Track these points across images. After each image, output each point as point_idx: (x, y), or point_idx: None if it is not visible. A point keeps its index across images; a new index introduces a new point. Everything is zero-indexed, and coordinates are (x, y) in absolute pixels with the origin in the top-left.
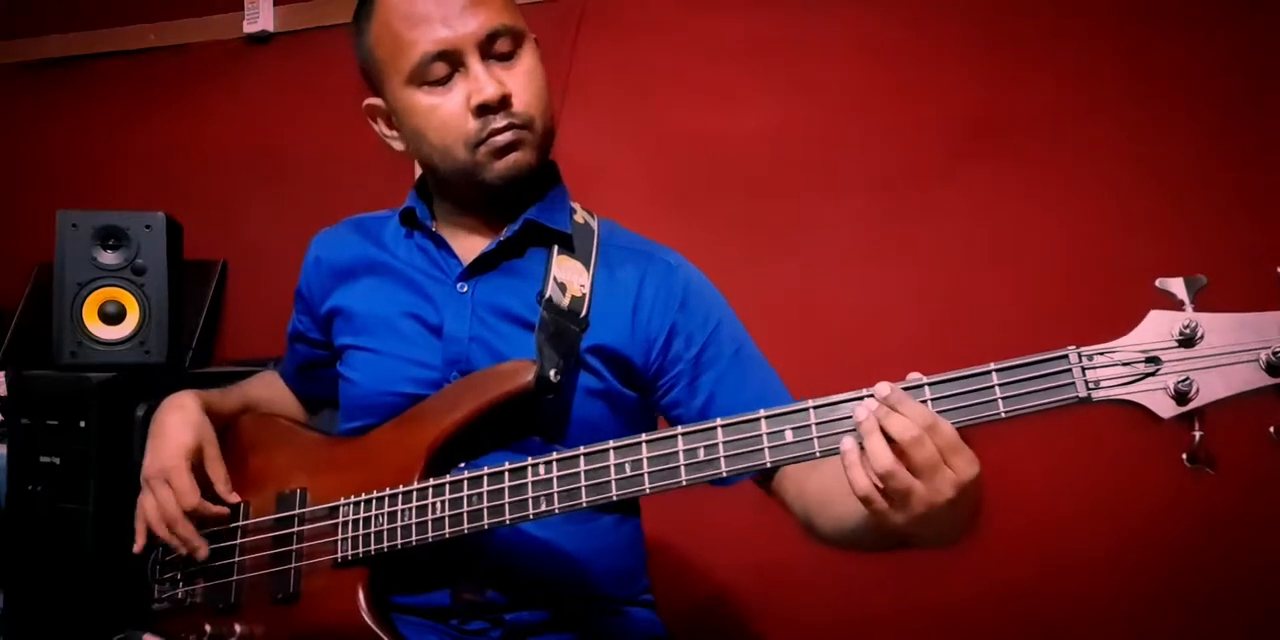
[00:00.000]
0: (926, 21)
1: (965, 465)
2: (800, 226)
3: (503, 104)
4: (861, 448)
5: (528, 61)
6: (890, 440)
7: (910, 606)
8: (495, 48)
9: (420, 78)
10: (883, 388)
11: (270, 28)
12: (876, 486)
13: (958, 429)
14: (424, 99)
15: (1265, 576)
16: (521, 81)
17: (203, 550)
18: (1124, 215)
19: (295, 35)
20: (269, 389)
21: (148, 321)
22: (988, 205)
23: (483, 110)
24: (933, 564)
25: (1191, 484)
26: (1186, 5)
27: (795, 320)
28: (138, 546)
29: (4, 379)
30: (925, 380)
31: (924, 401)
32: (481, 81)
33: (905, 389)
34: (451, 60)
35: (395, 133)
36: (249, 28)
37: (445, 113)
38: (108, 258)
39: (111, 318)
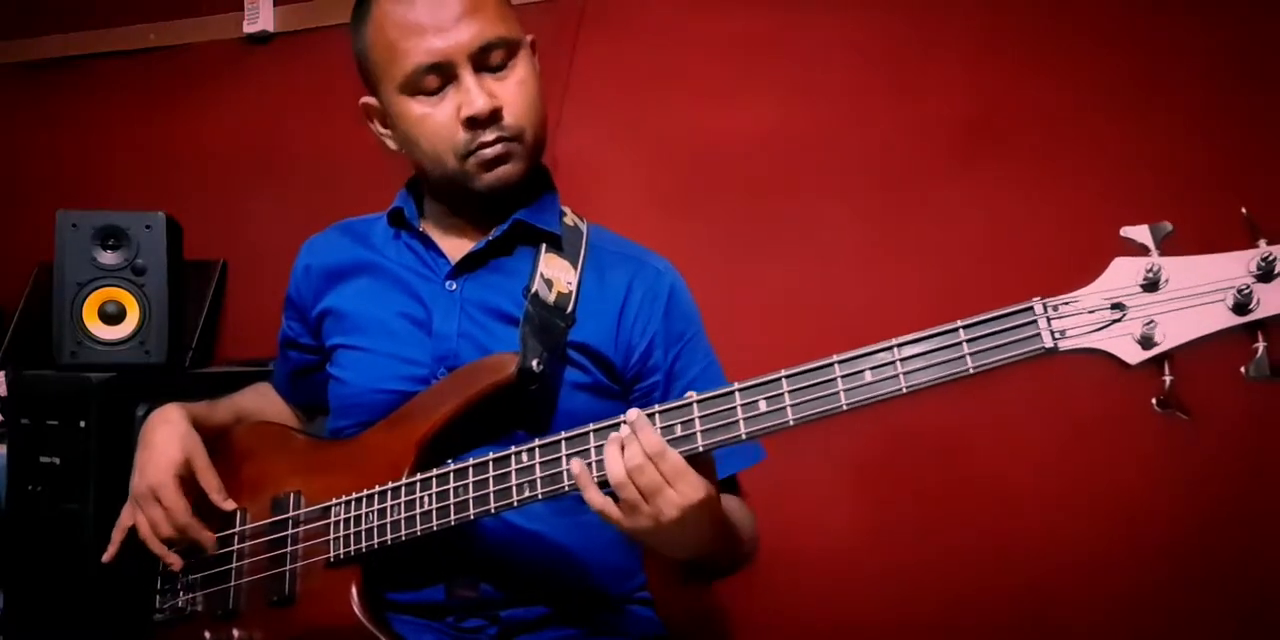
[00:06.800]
0: (926, 21)
1: (689, 489)
2: (800, 226)
3: (493, 118)
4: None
5: (520, 71)
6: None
7: (910, 606)
8: (489, 60)
9: (413, 88)
10: (630, 414)
11: (270, 28)
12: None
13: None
14: (416, 108)
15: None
16: (513, 93)
17: (208, 549)
18: (1124, 214)
19: (295, 35)
20: (260, 400)
21: (148, 321)
22: (988, 204)
23: (472, 123)
24: (933, 563)
25: (1181, 470)
26: (1187, 4)
27: (794, 319)
28: (108, 555)
29: (4, 379)
30: (894, 342)
31: (892, 363)
32: (472, 95)
33: (868, 354)
34: (444, 72)
35: (389, 132)
36: (249, 28)
37: (435, 123)
38: (108, 258)
39: (111, 318)
